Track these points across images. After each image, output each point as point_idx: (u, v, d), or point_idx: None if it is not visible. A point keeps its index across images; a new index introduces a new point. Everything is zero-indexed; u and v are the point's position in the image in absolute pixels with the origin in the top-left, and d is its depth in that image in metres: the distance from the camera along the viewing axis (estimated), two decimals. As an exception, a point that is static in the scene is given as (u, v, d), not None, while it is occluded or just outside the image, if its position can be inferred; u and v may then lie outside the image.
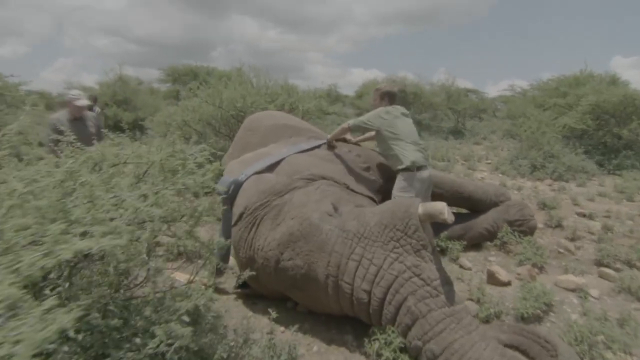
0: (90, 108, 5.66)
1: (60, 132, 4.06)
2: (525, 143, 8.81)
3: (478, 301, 2.94)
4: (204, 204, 1.67)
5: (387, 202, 2.52)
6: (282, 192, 2.76)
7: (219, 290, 3.10)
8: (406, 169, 3.30)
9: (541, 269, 3.60)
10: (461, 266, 3.66)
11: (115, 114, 13.55)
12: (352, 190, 3.16)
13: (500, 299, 3.01)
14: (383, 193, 3.51)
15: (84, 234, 1.13)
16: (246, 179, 2.96)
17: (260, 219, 2.67)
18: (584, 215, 5.25)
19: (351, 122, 3.48)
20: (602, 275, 3.49)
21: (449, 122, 16.98)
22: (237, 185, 2.94)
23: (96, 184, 1.23)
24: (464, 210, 4.29)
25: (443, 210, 2.15)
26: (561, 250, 4.00)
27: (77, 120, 4.18)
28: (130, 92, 14.67)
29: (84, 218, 1.15)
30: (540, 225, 4.69)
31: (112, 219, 1.18)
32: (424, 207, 2.26)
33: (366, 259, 2.29)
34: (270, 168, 3.06)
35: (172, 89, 22.73)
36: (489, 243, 4.01)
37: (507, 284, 3.28)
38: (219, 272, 3.15)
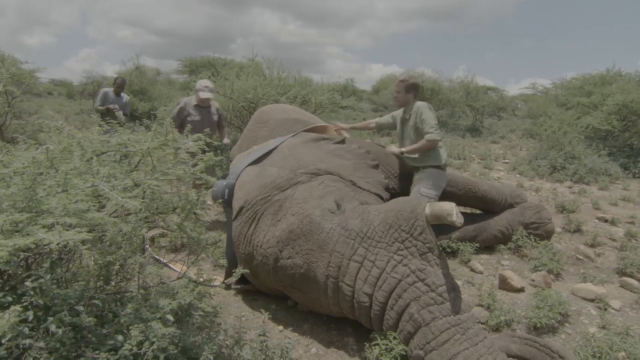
0: (117, 93, 5.76)
1: (184, 114, 4.32)
2: (545, 143, 8.49)
3: (488, 307, 2.78)
4: (192, 196, 1.57)
5: (393, 201, 2.38)
6: (284, 187, 2.65)
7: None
8: (441, 167, 3.33)
9: (557, 275, 3.41)
10: (472, 269, 3.50)
11: (132, 103, 13.62)
12: (359, 187, 3.03)
13: (512, 306, 2.85)
14: (394, 191, 3.37)
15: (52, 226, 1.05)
16: (236, 180, 2.91)
17: (260, 214, 2.57)
18: (605, 221, 4.99)
19: (432, 135, 3.19)
20: (623, 286, 3.28)
21: (467, 119, 16.60)
22: (231, 188, 2.89)
23: (72, 172, 1.14)
24: (477, 211, 4.12)
25: (451, 211, 2.00)
26: (580, 257, 3.80)
27: (203, 107, 4.47)
28: (146, 82, 14.77)
29: (55, 208, 1.06)
30: (558, 230, 4.47)
31: (85, 211, 1.10)
32: (431, 208, 2.12)
33: (369, 260, 2.16)
34: (260, 159, 2.99)
35: (189, 80, 22.85)
36: (502, 246, 3.84)
37: (520, 290, 3.11)
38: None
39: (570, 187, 6.88)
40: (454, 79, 16.54)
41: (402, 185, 3.46)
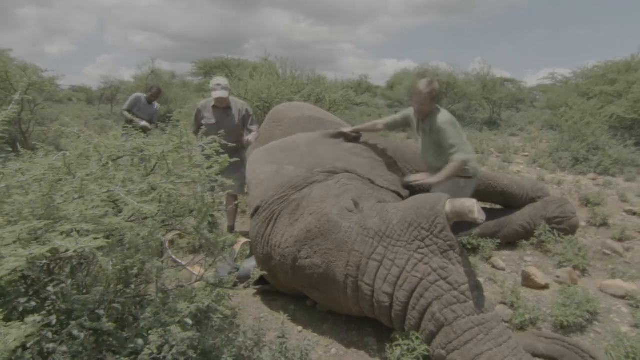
0: (149, 101, 5.49)
1: (200, 117, 4.13)
2: (566, 134, 8.23)
3: (512, 306, 2.71)
4: (208, 199, 1.56)
5: (412, 198, 2.33)
6: (301, 186, 2.63)
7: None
8: (470, 177, 3.06)
9: (584, 272, 3.29)
10: (494, 266, 3.41)
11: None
12: (377, 186, 2.99)
13: (537, 304, 2.77)
14: (412, 189, 3.31)
15: (71, 232, 1.05)
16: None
17: (277, 214, 2.56)
18: (633, 214, 4.80)
19: (459, 156, 2.86)
20: (655, 281, 3.14)
21: (484, 112, 16.27)
22: None
23: (88, 178, 1.14)
24: (497, 206, 4.02)
25: (473, 208, 1.94)
26: (607, 252, 3.66)
27: (220, 109, 4.12)
28: (162, 85, 14.96)
29: (72, 215, 1.06)
30: (582, 224, 4.32)
31: (102, 216, 1.09)
32: (452, 204, 2.06)
33: (388, 259, 2.12)
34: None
35: (203, 82, 23.11)
36: (524, 242, 3.73)
37: (545, 287, 3.02)
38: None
39: (594, 180, 6.66)
40: (470, 72, 16.24)
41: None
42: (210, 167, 1.62)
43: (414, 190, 3.34)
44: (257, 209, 2.68)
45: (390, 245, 2.18)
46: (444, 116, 2.94)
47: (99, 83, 20.82)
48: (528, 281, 3.04)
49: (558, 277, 3.14)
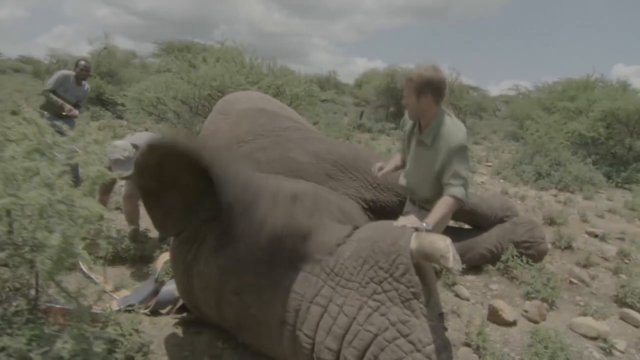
0: (78, 81, 4.45)
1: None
2: (530, 147, 8.21)
3: (477, 349, 2.35)
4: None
5: (370, 226, 1.89)
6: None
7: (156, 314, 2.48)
8: None
9: (552, 304, 3.01)
10: (457, 295, 3.07)
11: (98, 86, 12.68)
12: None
13: (505, 346, 2.44)
14: (372, 204, 2.88)
15: None
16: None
17: (202, 236, 2.03)
18: (595, 236, 4.68)
19: (459, 191, 1.97)
20: (624, 318, 2.92)
21: (449, 118, 16.34)
22: None
23: None
24: (464, 225, 3.70)
25: (447, 252, 1.52)
26: (574, 281, 3.43)
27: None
28: (116, 64, 13.78)
29: None
30: (548, 246, 4.10)
31: None
32: (419, 241, 1.63)
33: (335, 304, 1.67)
34: None
35: (164, 64, 21.76)
36: (490, 266, 3.42)
37: (513, 323, 2.70)
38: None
39: (555, 196, 6.60)
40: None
41: (384, 198, 2.95)
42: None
43: (375, 206, 2.92)
44: None
45: (338, 286, 1.72)
46: (458, 132, 2.00)
47: (47, 57, 18.99)
48: (495, 316, 2.70)
49: (526, 311, 2.83)
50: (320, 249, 1.83)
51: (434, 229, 1.85)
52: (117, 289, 2.68)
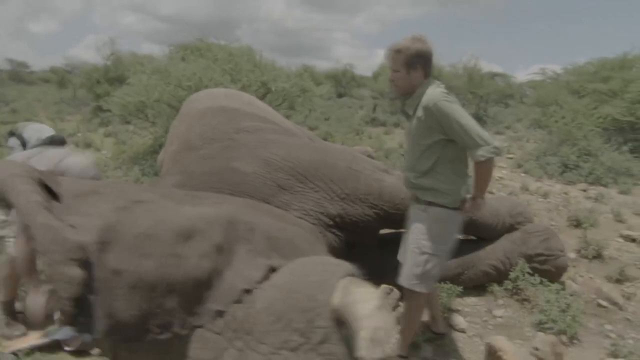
0: None
1: None
2: (555, 136, 7.37)
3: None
4: None
5: (288, 268, 1.38)
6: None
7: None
8: (457, 207, 1.91)
9: (572, 339, 2.40)
10: (450, 325, 2.50)
11: (107, 92, 12.63)
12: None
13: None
14: (339, 219, 2.36)
15: None
16: None
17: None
18: (632, 240, 3.94)
19: (486, 150, 1.72)
20: (670, 358, 2.27)
21: (469, 107, 15.39)
22: None
23: None
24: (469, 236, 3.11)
25: (364, 327, 0.99)
26: (603, 303, 2.78)
27: None
28: (123, 69, 13.71)
29: None
30: (571, 255, 3.45)
31: None
32: (343, 295, 1.11)
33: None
34: None
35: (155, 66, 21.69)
36: (496, 286, 2.82)
37: (518, 368, 2.11)
38: None
39: (584, 191, 5.80)
40: (457, 64, 15.32)
41: (354, 211, 2.42)
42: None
43: (343, 221, 2.40)
44: None
45: (248, 348, 1.24)
46: (433, 93, 1.76)
47: (62, 65, 19.32)
48: (494, 359, 2.13)
49: (537, 349, 2.23)
50: (224, 297, 1.34)
51: (478, 191, 1.84)
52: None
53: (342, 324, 1.13)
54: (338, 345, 1.12)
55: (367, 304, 1.06)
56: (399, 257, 2.10)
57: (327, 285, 1.18)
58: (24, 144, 2.56)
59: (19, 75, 29.99)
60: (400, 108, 2.03)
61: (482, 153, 1.71)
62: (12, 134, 2.65)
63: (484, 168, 1.77)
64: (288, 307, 1.19)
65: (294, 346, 1.16)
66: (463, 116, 1.75)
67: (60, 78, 26.20)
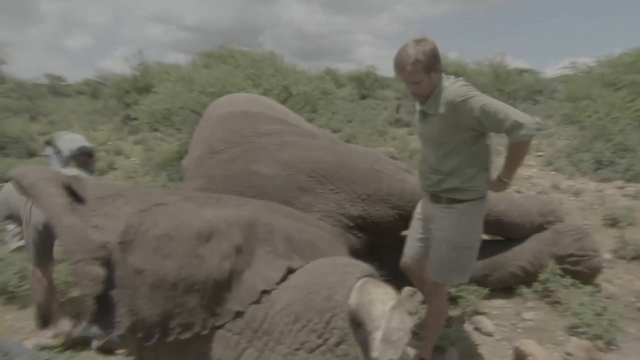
0: None
1: None
2: (588, 131, 7.05)
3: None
4: None
5: (307, 269, 1.38)
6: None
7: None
8: (484, 197, 1.90)
9: (609, 344, 2.28)
10: (477, 328, 2.43)
11: (136, 101, 13.10)
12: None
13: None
14: (361, 220, 2.35)
15: None
16: None
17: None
18: (675, 240, 3.71)
19: (526, 131, 1.63)
20: None
21: (497, 105, 14.99)
22: None
23: None
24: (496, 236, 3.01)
25: (377, 328, 0.98)
26: (643, 307, 2.63)
27: None
28: (151, 79, 14.19)
29: None
30: (608, 256, 3.28)
31: None
32: (360, 296, 1.10)
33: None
34: None
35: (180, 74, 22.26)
36: (524, 288, 2.72)
37: (549, 374, 2.03)
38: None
39: (621, 188, 5.51)
40: (482, 61, 14.97)
41: (376, 212, 2.40)
42: None
43: (365, 222, 2.38)
44: None
45: (267, 348, 1.25)
46: (454, 88, 1.73)
47: (95, 77, 20.18)
48: (524, 364, 2.05)
49: (570, 355, 2.13)
50: (243, 297, 1.36)
51: (509, 173, 1.82)
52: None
53: (359, 324, 1.12)
54: (354, 347, 1.11)
55: (383, 304, 1.05)
56: (409, 252, 2.10)
57: (345, 286, 1.17)
58: (58, 153, 2.70)
59: (56, 88, 31.67)
60: (417, 109, 1.92)
61: (524, 132, 1.62)
62: (48, 143, 2.82)
63: (522, 147, 1.71)
64: (306, 307, 1.19)
65: (311, 347, 1.16)
66: (493, 102, 1.68)
67: (93, 90, 27.41)
